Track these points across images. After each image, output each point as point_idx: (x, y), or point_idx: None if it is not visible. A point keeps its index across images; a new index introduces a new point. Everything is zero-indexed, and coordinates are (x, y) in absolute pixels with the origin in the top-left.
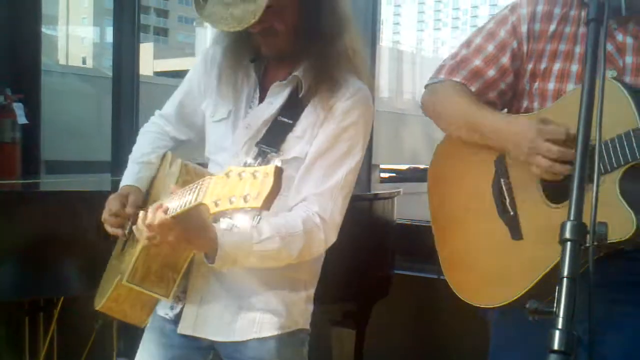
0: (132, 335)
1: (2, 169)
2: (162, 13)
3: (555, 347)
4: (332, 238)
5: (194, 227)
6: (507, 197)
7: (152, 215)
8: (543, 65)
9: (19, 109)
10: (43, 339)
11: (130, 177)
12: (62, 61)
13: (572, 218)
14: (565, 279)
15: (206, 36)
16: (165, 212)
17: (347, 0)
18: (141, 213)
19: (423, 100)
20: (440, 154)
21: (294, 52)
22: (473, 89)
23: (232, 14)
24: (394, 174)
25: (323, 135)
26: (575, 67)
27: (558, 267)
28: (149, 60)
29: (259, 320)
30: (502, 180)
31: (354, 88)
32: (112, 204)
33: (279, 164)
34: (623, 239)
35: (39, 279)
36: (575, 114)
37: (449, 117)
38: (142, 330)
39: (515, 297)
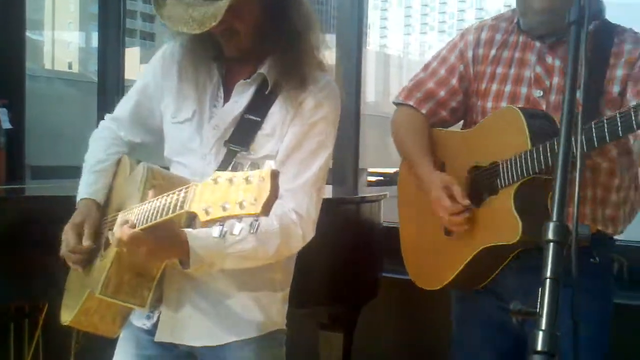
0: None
1: None
2: (149, 18)
3: (539, 347)
4: (310, 233)
5: (165, 236)
6: None
7: (120, 231)
8: (484, 86)
9: (2, 114)
10: (28, 345)
11: (86, 188)
12: (48, 66)
13: (554, 219)
14: (548, 280)
15: None
16: (133, 227)
17: (308, 9)
18: (114, 229)
19: (391, 122)
20: (404, 164)
21: (256, 50)
22: (424, 110)
23: (192, 16)
24: (381, 178)
25: (293, 132)
26: (508, 88)
27: (471, 263)
28: (136, 65)
29: (238, 322)
30: None
31: (322, 82)
32: (68, 239)
33: (271, 167)
34: (511, 243)
35: (24, 284)
36: (491, 132)
37: (399, 150)
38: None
39: (444, 284)
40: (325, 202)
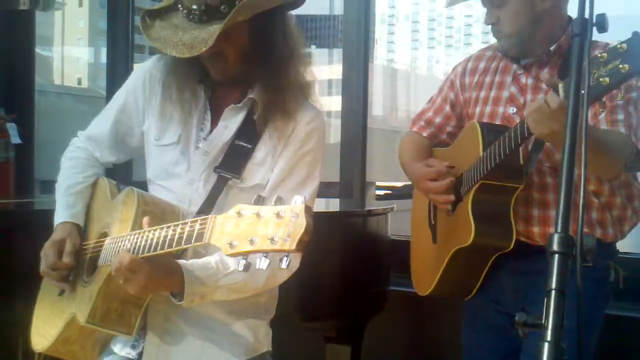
0: None
1: None
2: None
3: (545, 359)
4: (296, 264)
5: (161, 267)
6: (431, 210)
7: (119, 257)
8: (471, 110)
9: (12, 129)
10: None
11: (65, 211)
12: (57, 81)
13: (559, 230)
14: (553, 291)
15: None
16: (132, 253)
17: (295, 24)
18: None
19: (398, 148)
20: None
21: (243, 75)
22: (425, 134)
23: (182, 40)
24: (389, 191)
25: (283, 162)
26: (488, 109)
27: (447, 268)
28: None
29: (225, 347)
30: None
31: (311, 113)
32: (48, 255)
33: (303, 202)
34: (466, 245)
35: (33, 298)
36: (461, 148)
37: (403, 167)
38: None
39: (430, 290)
40: (332, 215)
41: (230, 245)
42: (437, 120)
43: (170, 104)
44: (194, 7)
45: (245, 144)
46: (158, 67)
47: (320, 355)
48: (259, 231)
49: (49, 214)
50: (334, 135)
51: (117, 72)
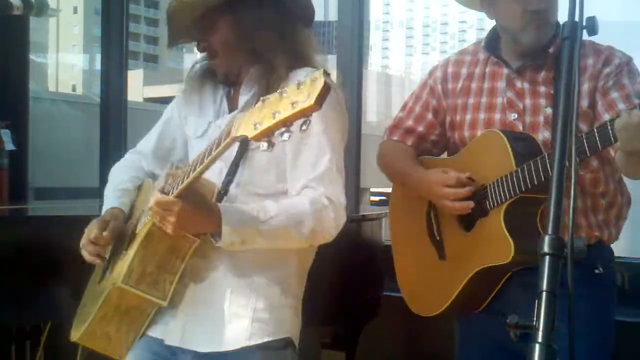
0: None
1: None
2: (152, 40)
3: None
4: (342, 218)
5: (197, 203)
6: (434, 224)
7: (153, 199)
8: (458, 117)
9: (5, 136)
10: None
11: (112, 202)
12: (52, 88)
13: (550, 232)
14: (544, 293)
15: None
16: (165, 193)
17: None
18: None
19: (377, 157)
20: (395, 191)
21: (242, 65)
22: (409, 142)
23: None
24: (384, 197)
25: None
26: (482, 116)
27: (467, 286)
28: (139, 87)
29: (249, 328)
30: (431, 210)
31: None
32: (91, 229)
33: (322, 70)
34: (505, 263)
35: (26, 304)
36: (477, 156)
37: (388, 174)
38: None
39: (441, 310)
40: None
41: (254, 127)
42: (420, 129)
43: (205, 103)
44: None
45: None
46: (192, 80)
47: None
48: (281, 105)
49: (42, 220)
50: None
51: (111, 78)
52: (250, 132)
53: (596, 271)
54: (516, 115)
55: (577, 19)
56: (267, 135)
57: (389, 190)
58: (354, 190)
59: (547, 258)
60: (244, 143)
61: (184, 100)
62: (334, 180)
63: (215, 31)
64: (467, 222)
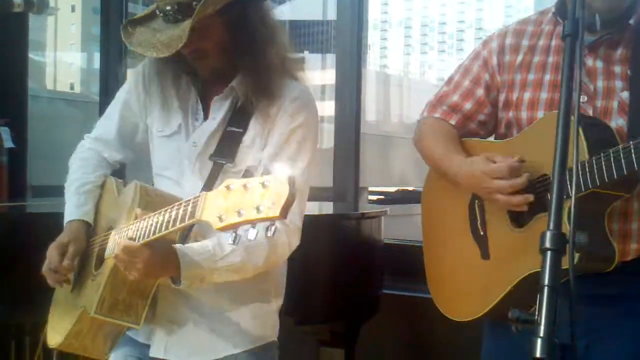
0: None
1: None
2: None
3: (538, 354)
4: (296, 242)
5: (159, 251)
6: (478, 218)
7: (119, 246)
8: (515, 95)
9: (5, 133)
10: None
11: (75, 210)
12: (49, 86)
13: (551, 228)
14: (546, 288)
15: None
16: (132, 240)
17: (271, 11)
18: (112, 240)
19: (413, 137)
20: (430, 179)
21: (227, 67)
22: (452, 121)
23: (159, 40)
24: (382, 196)
25: (272, 141)
26: (544, 95)
27: (513, 291)
28: None
29: (232, 335)
30: (476, 201)
31: (295, 92)
32: (51, 257)
33: (289, 174)
34: (565, 268)
35: (25, 301)
36: (539, 141)
37: (425, 158)
38: None
39: (480, 315)
40: (326, 218)
41: (220, 219)
42: (467, 106)
43: (169, 96)
44: (168, 8)
45: (236, 129)
46: (153, 63)
47: (314, 358)
48: (245, 202)
49: (41, 217)
50: (327, 140)
51: (110, 77)
52: (214, 223)
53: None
54: (585, 98)
55: (577, 15)
56: (232, 229)
57: (387, 189)
58: (353, 189)
59: (548, 253)
60: (217, 168)
61: (142, 84)
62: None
63: (207, 35)
64: (520, 217)
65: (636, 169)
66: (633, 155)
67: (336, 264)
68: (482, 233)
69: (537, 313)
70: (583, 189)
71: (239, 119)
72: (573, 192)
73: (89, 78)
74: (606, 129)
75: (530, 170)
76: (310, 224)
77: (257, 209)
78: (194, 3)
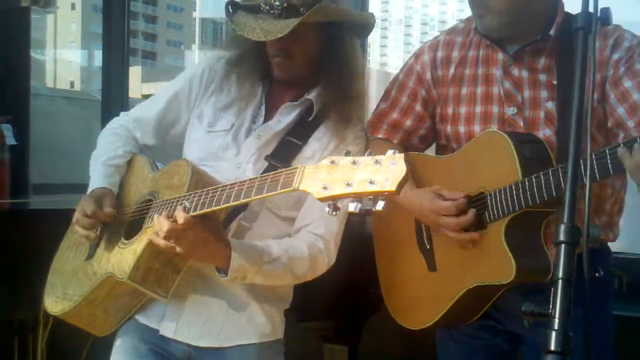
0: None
1: None
2: (151, 37)
3: (552, 347)
4: (333, 259)
5: (211, 231)
6: (424, 232)
7: (177, 215)
8: (450, 110)
9: (7, 130)
10: None
11: (102, 179)
12: (50, 84)
13: (565, 221)
14: (560, 281)
15: (194, 59)
16: (187, 211)
17: (360, 50)
18: (162, 213)
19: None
20: None
21: (304, 78)
22: (395, 140)
23: (260, 26)
24: None
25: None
26: (478, 109)
27: (460, 302)
28: (137, 84)
29: (243, 327)
30: None
31: (359, 128)
32: (86, 205)
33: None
34: (505, 282)
35: (28, 298)
36: (476, 159)
37: None
38: None
39: (430, 324)
40: None
41: (324, 188)
42: (407, 122)
43: (228, 97)
44: (277, 3)
45: (296, 141)
46: (217, 64)
47: (318, 355)
48: (356, 176)
49: (43, 214)
50: None
51: (112, 75)
52: (318, 193)
53: (597, 274)
54: (515, 110)
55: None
56: (335, 200)
57: None
58: None
59: (562, 246)
60: (272, 169)
61: (200, 80)
62: (338, 221)
63: (302, 41)
64: (464, 232)
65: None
66: (562, 178)
67: (340, 260)
68: (428, 247)
69: (551, 306)
70: (517, 208)
71: (300, 131)
72: (587, 182)
73: (89, 76)
74: (540, 146)
75: (469, 188)
76: None
77: (371, 182)
78: (302, 9)
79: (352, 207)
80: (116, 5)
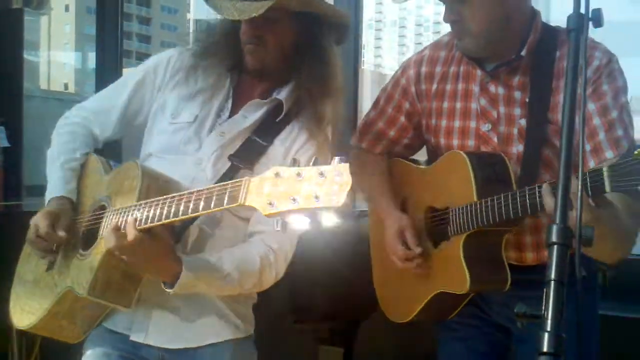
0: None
1: None
2: (144, 38)
3: (545, 349)
4: (282, 272)
5: (164, 246)
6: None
7: (129, 222)
8: (433, 122)
9: (0, 132)
10: None
11: (61, 186)
12: (43, 86)
13: (557, 222)
14: (552, 282)
15: None
16: (137, 223)
17: (336, 50)
18: (112, 223)
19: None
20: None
21: (277, 71)
22: (378, 151)
23: (234, 6)
24: None
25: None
26: (457, 123)
27: (430, 303)
28: None
29: (215, 325)
30: None
31: (324, 133)
32: (41, 224)
33: (344, 162)
34: (461, 293)
35: None
36: (442, 176)
37: (361, 192)
38: None
39: (409, 318)
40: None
41: (270, 204)
42: (391, 133)
43: (193, 88)
44: None
45: (261, 141)
46: (185, 54)
47: (313, 356)
48: (301, 190)
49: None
50: None
51: (106, 77)
52: (264, 209)
53: (583, 275)
54: (490, 126)
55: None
56: (281, 216)
57: None
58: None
59: (555, 247)
60: (234, 170)
61: (164, 69)
62: (291, 237)
63: (275, 28)
64: (436, 238)
65: (515, 216)
66: (518, 202)
67: (335, 262)
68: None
69: (543, 307)
70: (472, 227)
71: (266, 131)
72: (580, 184)
73: (83, 78)
74: (502, 167)
75: (438, 202)
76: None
77: (317, 197)
78: None
79: (302, 224)
80: (110, 7)
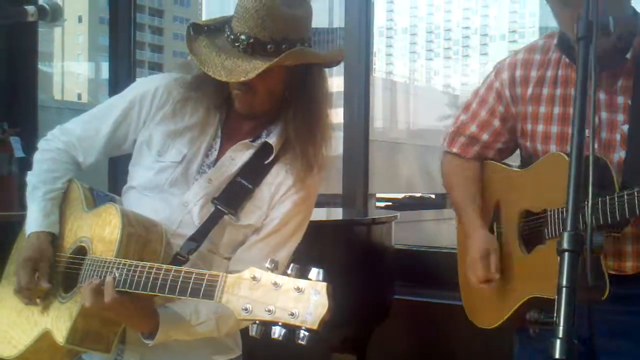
0: None
1: None
2: (157, 48)
3: (557, 355)
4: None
5: (141, 307)
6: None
7: (108, 283)
8: (529, 127)
9: (15, 143)
10: None
11: (41, 220)
12: (57, 97)
13: (569, 229)
14: (564, 289)
15: None
16: (115, 283)
17: (327, 81)
18: (89, 283)
19: (440, 169)
20: None
21: (266, 114)
22: (470, 155)
23: (223, 64)
24: (390, 203)
25: (279, 213)
26: (555, 129)
27: (522, 308)
28: None
29: (204, 347)
30: (494, 225)
31: (316, 181)
32: (22, 275)
33: (320, 277)
34: (553, 299)
35: None
36: (543, 178)
37: (451, 199)
38: None
39: (497, 324)
40: (336, 224)
41: (245, 310)
42: (484, 137)
43: (181, 123)
44: (243, 37)
45: (247, 184)
46: (174, 85)
47: None
48: (277, 302)
49: None
50: (336, 147)
51: (119, 87)
52: (239, 313)
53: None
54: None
55: (591, 18)
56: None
57: (395, 195)
58: (362, 195)
59: (566, 254)
60: (218, 215)
61: (151, 100)
62: None
63: (265, 77)
64: (529, 243)
65: (621, 218)
66: (626, 203)
67: (347, 269)
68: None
69: (555, 314)
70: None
71: (253, 173)
72: (590, 192)
73: (97, 88)
74: (602, 169)
75: (535, 205)
76: (322, 229)
77: (292, 314)
78: (269, 47)
79: (276, 333)
80: (122, 17)
